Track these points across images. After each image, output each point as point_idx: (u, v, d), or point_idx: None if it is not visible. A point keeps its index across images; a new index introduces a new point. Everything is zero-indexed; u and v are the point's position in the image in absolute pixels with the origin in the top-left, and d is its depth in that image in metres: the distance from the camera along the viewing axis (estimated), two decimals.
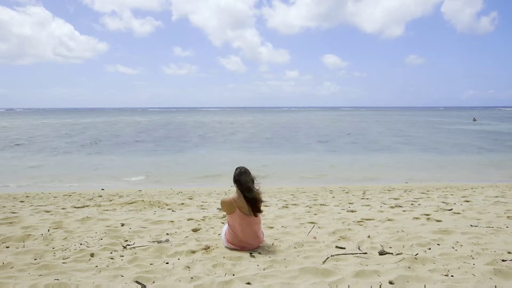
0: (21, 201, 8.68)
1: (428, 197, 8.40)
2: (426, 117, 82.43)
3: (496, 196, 8.26)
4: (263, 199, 4.25)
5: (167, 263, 3.69)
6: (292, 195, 9.58)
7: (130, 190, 11.08)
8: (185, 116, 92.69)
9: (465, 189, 9.91)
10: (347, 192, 9.94)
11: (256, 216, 4.15)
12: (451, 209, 6.31)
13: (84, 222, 5.62)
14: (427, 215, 5.88)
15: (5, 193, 10.37)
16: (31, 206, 7.82)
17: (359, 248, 4.07)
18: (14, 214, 6.32)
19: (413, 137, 31.05)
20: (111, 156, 20.56)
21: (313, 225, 5.24)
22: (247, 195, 4.07)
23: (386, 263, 3.53)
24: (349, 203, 7.76)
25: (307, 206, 7.36)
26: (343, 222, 5.45)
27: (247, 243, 4.11)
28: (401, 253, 3.80)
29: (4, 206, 7.66)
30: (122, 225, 5.45)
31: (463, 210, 6.18)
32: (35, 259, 3.81)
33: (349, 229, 4.97)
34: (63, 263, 3.68)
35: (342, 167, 16.60)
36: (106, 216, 6.17)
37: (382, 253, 3.86)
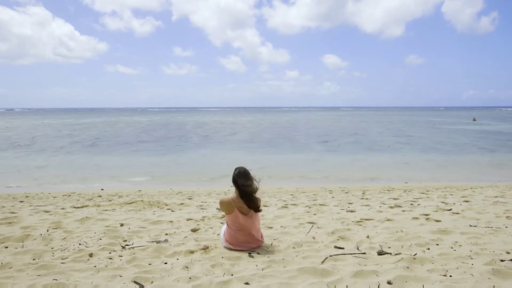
0: (21, 201, 8.69)
1: (427, 197, 8.40)
2: (426, 117, 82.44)
3: (496, 196, 8.26)
4: (262, 199, 4.26)
5: (166, 263, 3.69)
6: (292, 195, 9.58)
7: (130, 190, 11.08)
8: (185, 116, 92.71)
9: (465, 189, 9.91)
10: (346, 192, 9.93)
11: (256, 213, 4.15)
12: (451, 209, 6.31)
13: (83, 222, 5.63)
14: (427, 215, 5.87)
15: (5, 193, 10.37)
16: (30, 206, 7.82)
17: (358, 248, 4.07)
18: (13, 214, 6.32)
19: (413, 137, 31.04)
20: (111, 156, 20.57)
21: (312, 225, 5.24)
22: (246, 195, 4.08)
23: (384, 263, 3.53)
24: (349, 203, 7.76)
25: (307, 206, 7.36)
26: (342, 222, 5.45)
27: (246, 243, 4.11)
28: (399, 253, 3.80)
29: (4, 206, 7.66)
30: (121, 225, 5.46)
31: (462, 210, 6.18)
32: (33, 259, 3.81)
33: (348, 229, 4.97)
34: (61, 263, 3.68)
35: (342, 167, 16.60)
36: (106, 216, 6.17)
37: (380, 253, 3.86)
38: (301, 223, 5.40)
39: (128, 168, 16.65)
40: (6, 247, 4.27)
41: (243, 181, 4.08)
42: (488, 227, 4.93)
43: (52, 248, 4.22)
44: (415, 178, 13.34)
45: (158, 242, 4.48)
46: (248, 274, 3.31)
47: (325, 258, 3.72)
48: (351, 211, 6.45)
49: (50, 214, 6.48)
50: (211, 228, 5.25)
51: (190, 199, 9.03)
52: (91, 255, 3.95)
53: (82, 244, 4.38)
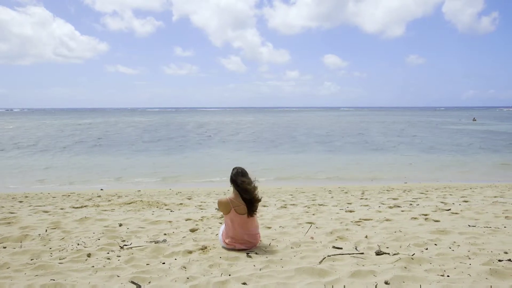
0: (20, 201, 8.69)
1: (427, 197, 8.40)
2: (427, 117, 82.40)
3: (495, 196, 8.26)
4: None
5: (164, 263, 3.69)
6: (291, 195, 9.58)
7: (129, 190, 11.08)
8: (186, 117, 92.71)
9: (464, 189, 9.91)
10: (346, 192, 9.93)
11: (252, 216, 4.15)
12: (450, 209, 6.31)
13: (82, 222, 5.62)
14: (425, 215, 5.87)
15: (4, 193, 10.37)
16: (29, 206, 7.82)
17: (356, 248, 4.07)
18: (12, 214, 6.32)
19: (413, 137, 31.03)
20: (114, 157, 20.57)
21: (310, 225, 5.24)
22: (244, 195, 4.08)
23: (382, 263, 3.53)
24: (348, 203, 7.76)
25: (306, 206, 7.36)
26: (341, 222, 5.45)
27: (243, 243, 4.11)
28: (397, 253, 3.80)
29: (3, 206, 7.66)
30: (120, 225, 5.46)
31: (461, 210, 6.18)
32: (31, 260, 3.81)
33: (347, 229, 4.97)
34: (59, 263, 3.68)
35: (342, 167, 16.60)
36: (104, 216, 6.17)
37: (378, 253, 3.86)
38: (300, 223, 5.40)
39: (132, 168, 16.67)
40: (5, 247, 4.27)
41: (241, 180, 4.08)
42: (487, 227, 4.93)
43: (50, 248, 4.22)
44: (415, 178, 13.34)
45: (156, 242, 4.48)
46: (246, 274, 3.31)
47: (323, 258, 3.72)
48: (350, 211, 6.45)
49: (49, 214, 6.47)
50: (210, 228, 5.25)
51: (189, 199, 9.03)
52: (89, 255, 3.95)
53: (81, 244, 4.38)
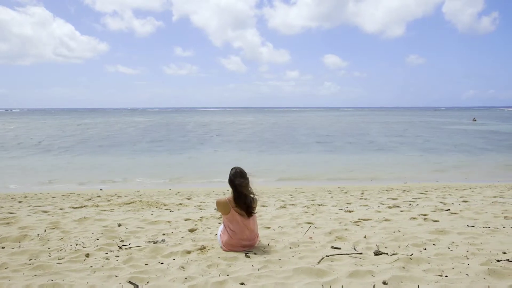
0: (19, 202, 8.69)
1: (426, 197, 8.40)
2: (427, 117, 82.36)
3: (495, 196, 8.26)
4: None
5: (162, 263, 3.69)
6: (291, 195, 9.58)
7: (129, 190, 11.08)
8: (186, 117, 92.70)
9: (464, 189, 9.90)
10: (345, 192, 9.93)
11: (250, 216, 4.15)
12: (449, 209, 6.31)
13: (81, 222, 5.62)
14: (425, 215, 5.87)
15: (4, 193, 10.37)
16: (29, 206, 7.82)
17: (354, 249, 4.07)
18: (12, 215, 6.32)
19: (413, 137, 31.04)
20: (112, 156, 20.59)
21: (309, 225, 5.23)
22: (242, 195, 4.08)
23: (380, 263, 3.53)
24: (347, 203, 7.76)
25: (305, 206, 7.36)
26: (340, 223, 5.45)
27: (242, 243, 4.11)
28: (396, 253, 3.80)
29: (2, 207, 7.67)
30: (119, 225, 5.46)
31: (460, 210, 6.17)
32: (30, 260, 3.81)
33: (346, 229, 4.97)
34: (58, 263, 3.68)
35: (341, 167, 16.60)
36: (104, 216, 6.17)
37: (377, 253, 3.85)
38: (299, 223, 5.40)
39: (131, 168, 16.69)
40: (3, 248, 4.27)
41: (239, 180, 4.08)
42: (486, 227, 4.93)
43: (49, 248, 4.22)
44: (414, 178, 13.34)
45: (155, 242, 4.49)
46: (244, 274, 3.30)
47: (322, 258, 3.72)
48: (349, 211, 6.45)
49: (48, 215, 6.48)
50: (209, 228, 5.25)
51: (189, 199, 9.03)
52: (87, 255, 3.95)
53: (79, 244, 4.38)
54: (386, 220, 5.58)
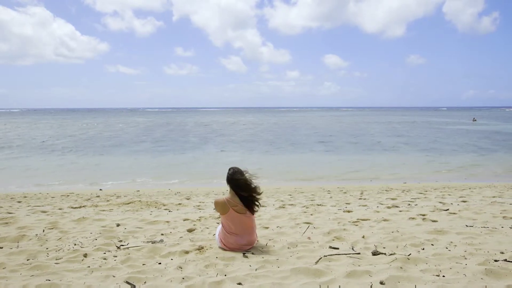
0: (19, 202, 8.69)
1: (425, 197, 8.39)
2: (428, 117, 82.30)
3: (494, 196, 8.25)
4: (261, 192, 4.24)
5: (160, 263, 3.69)
6: (290, 195, 9.57)
7: (128, 190, 11.08)
8: (186, 117, 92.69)
9: (463, 189, 9.90)
10: (345, 193, 9.92)
11: (253, 213, 4.16)
12: (448, 209, 6.30)
13: (80, 222, 5.63)
14: (423, 215, 5.87)
15: (3, 193, 10.37)
16: (28, 206, 7.82)
17: (352, 249, 4.07)
18: (10, 215, 6.32)
19: (413, 137, 31.03)
20: (112, 156, 20.59)
21: (308, 225, 5.23)
22: (242, 192, 4.08)
23: (378, 263, 3.53)
24: (346, 203, 7.76)
25: (304, 206, 7.36)
26: (338, 223, 5.45)
27: (240, 243, 4.11)
28: (394, 254, 3.80)
29: (1, 207, 7.66)
30: (118, 225, 5.46)
31: (459, 210, 6.17)
32: (28, 260, 3.81)
33: (344, 229, 4.97)
34: (55, 263, 3.68)
35: (341, 167, 16.58)
36: (102, 216, 6.17)
37: (375, 253, 3.85)
38: (298, 223, 5.40)
39: (131, 168, 16.66)
40: (1, 248, 4.27)
41: (237, 181, 4.08)
42: (484, 227, 4.93)
43: (47, 248, 4.22)
44: (414, 178, 13.34)
45: (153, 242, 4.49)
46: (242, 274, 3.30)
47: (319, 259, 3.72)
48: (348, 211, 6.45)
49: (47, 215, 6.48)
50: (207, 228, 5.25)
51: (188, 199, 9.03)
52: (85, 255, 3.95)
53: (77, 244, 4.38)
54: (384, 220, 5.58)
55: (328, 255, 3.82)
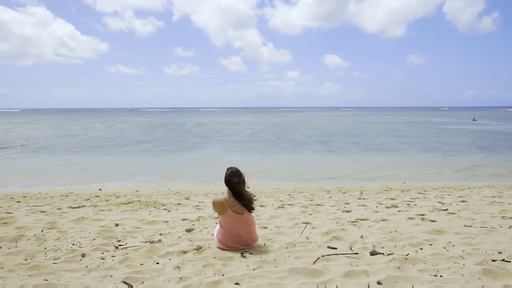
0: (18, 202, 8.68)
1: (424, 197, 8.39)
2: (428, 117, 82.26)
3: (493, 196, 8.25)
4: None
5: (158, 263, 3.69)
6: (289, 195, 9.57)
7: (128, 190, 11.08)
8: (186, 117, 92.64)
9: (463, 189, 9.90)
10: (344, 192, 9.92)
11: (251, 212, 4.16)
12: (447, 209, 6.30)
13: (79, 222, 5.62)
14: (422, 215, 5.87)
15: (2, 193, 10.37)
16: (27, 206, 7.82)
17: (351, 249, 4.07)
18: (9, 215, 6.32)
19: (413, 137, 31.02)
20: (112, 156, 20.61)
21: (305, 225, 5.23)
22: (238, 195, 4.08)
23: (376, 263, 3.53)
24: (345, 203, 7.76)
25: (303, 206, 7.36)
26: (337, 222, 5.45)
27: (238, 243, 4.11)
28: (392, 253, 3.80)
29: (0, 207, 7.67)
30: (116, 225, 5.46)
31: (458, 210, 6.17)
32: (25, 260, 3.81)
33: (343, 229, 4.97)
34: (53, 263, 3.68)
35: (341, 167, 16.58)
36: (101, 216, 6.17)
37: (373, 253, 3.85)
38: (296, 223, 5.40)
39: (131, 168, 16.67)
40: None
41: (235, 179, 4.09)
42: (483, 227, 4.92)
43: (45, 248, 4.22)
44: (413, 178, 13.33)
45: (151, 242, 4.48)
46: (239, 274, 3.30)
47: (317, 259, 3.72)
48: (347, 211, 6.45)
49: (46, 215, 6.48)
50: (206, 228, 5.25)
51: (187, 199, 9.03)
52: (83, 255, 3.95)
53: (76, 244, 4.38)
54: (383, 220, 5.58)
55: (326, 255, 3.82)
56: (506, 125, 47.80)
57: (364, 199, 8.50)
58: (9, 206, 7.76)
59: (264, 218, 5.82)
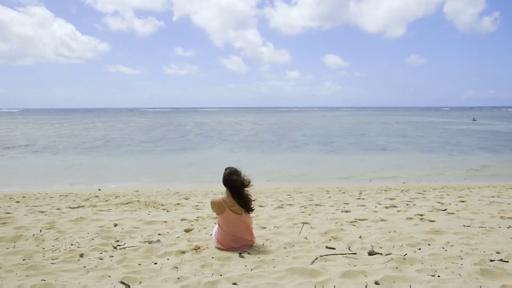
0: (17, 202, 8.69)
1: (424, 197, 8.39)
2: (428, 117, 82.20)
3: (492, 196, 8.25)
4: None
5: (156, 263, 3.69)
6: (289, 195, 9.57)
7: (127, 191, 11.08)
8: (186, 117, 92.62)
9: (462, 189, 9.89)
10: (343, 193, 9.92)
11: (248, 213, 4.16)
12: (446, 209, 6.30)
13: (77, 222, 5.63)
14: (421, 215, 5.87)
15: (2, 193, 10.37)
16: (26, 206, 7.82)
17: (349, 249, 4.06)
18: (8, 215, 6.32)
19: (412, 137, 31.00)
20: (112, 156, 20.60)
21: (302, 224, 5.23)
22: (237, 195, 4.08)
23: (374, 263, 3.52)
24: (345, 203, 7.75)
25: (302, 206, 7.36)
26: (336, 223, 5.44)
27: (237, 243, 4.11)
28: (390, 254, 3.80)
29: (0, 207, 7.67)
30: (115, 225, 5.46)
31: (457, 210, 6.17)
32: (24, 260, 3.81)
33: (342, 229, 4.96)
34: (51, 263, 3.68)
35: (341, 167, 16.58)
36: (100, 216, 6.17)
37: (371, 253, 3.85)
38: (295, 223, 5.40)
39: (131, 168, 16.68)
40: None
41: (234, 178, 4.08)
42: (482, 227, 4.92)
43: (43, 248, 4.22)
44: (413, 178, 13.32)
45: (150, 242, 4.49)
46: (237, 274, 3.30)
47: (315, 259, 3.72)
48: (346, 211, 6.44)
49: (45, 215, 6.48)
50: (205, 228, 5.25)
51: (186, 199, 9.03)
52: (81, 255, 3.95)
53: (74, 244, 4.38)
54: (382, 220, 5.57)
55: (324, 255, 3.82)
56: (508, 125, 47.76)
57: (363, 199, 8.50)
58: (8, 206, 7.76)
59: (263, 218, 5.82)
